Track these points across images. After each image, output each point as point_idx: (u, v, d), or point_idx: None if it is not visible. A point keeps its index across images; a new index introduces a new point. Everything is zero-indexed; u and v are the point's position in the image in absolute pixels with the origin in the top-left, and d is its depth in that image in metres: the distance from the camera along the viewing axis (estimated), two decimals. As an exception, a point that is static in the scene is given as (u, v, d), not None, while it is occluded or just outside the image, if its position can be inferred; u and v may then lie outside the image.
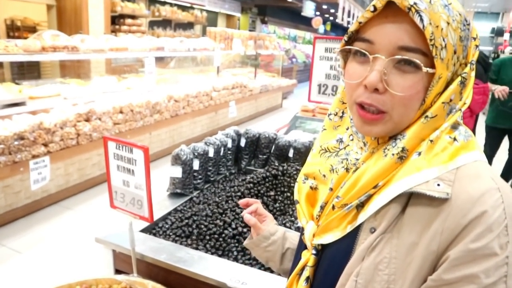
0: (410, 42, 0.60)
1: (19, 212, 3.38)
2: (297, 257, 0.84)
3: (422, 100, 0.63)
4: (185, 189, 1.91)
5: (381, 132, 0.66)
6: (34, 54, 3.64)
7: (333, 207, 0.70)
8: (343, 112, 0.81)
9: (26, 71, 5.67)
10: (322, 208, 0.74)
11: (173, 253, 1.43)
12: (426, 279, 0.59)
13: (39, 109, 3.66)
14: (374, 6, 0.63)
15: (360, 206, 0.67)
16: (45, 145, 3.40)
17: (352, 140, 0.76)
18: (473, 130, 4.14)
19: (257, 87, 7.46)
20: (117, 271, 1.57)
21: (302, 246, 0.81)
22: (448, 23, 0.60)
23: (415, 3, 0.58)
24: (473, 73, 0.66)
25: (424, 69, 0.60)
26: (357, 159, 0.71)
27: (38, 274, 2.65)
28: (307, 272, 0.77)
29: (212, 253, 1.48)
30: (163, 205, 1.84)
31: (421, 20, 0.58)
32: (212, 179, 2.11)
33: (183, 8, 8.91)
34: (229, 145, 2.24)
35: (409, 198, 0.62)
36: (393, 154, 0.63)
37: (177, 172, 1.86)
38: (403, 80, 0.61)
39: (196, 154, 1.97)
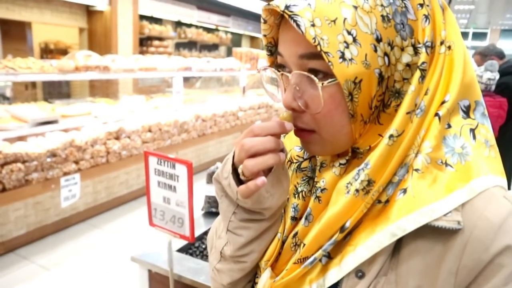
0: (308, 47, 0.48)
1: (48, 228, 3.38)
2: None
3: (350, 111, 0.49)
4: (221, 208, 1.84)
5: (322, 151, 0.55)
6: (68, 73, 3.71)
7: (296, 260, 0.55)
8: None
9: (58, 90, 5.82)
10: (283, 243, 0.59)
11: (213, 275, 1.36)
12: None
13: (71, 127, 3.70)
14: (262, 17, 0.54)
15: (327, 257, 0.53)
16: (76, 162, 3.43)
17: None
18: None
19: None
20: (152, 293, 1.51)
21: None
22: (356, 7, 0.46)
23: (287, 7, 0.47)
24: (446, 55, 0.50)
25: (319, 83, 0.48)
26: (324, 190, 0.55)
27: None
28: None
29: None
30: (197, 224, 1.77)
31: (298, 25, 0.46)
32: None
33: (208, 30, 9.06)
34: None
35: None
36: (357, 191, 0.49)
37: (213, 190, 1.80)
38: (316, 95, 0.49)
39: (231, 171, 1.91)
